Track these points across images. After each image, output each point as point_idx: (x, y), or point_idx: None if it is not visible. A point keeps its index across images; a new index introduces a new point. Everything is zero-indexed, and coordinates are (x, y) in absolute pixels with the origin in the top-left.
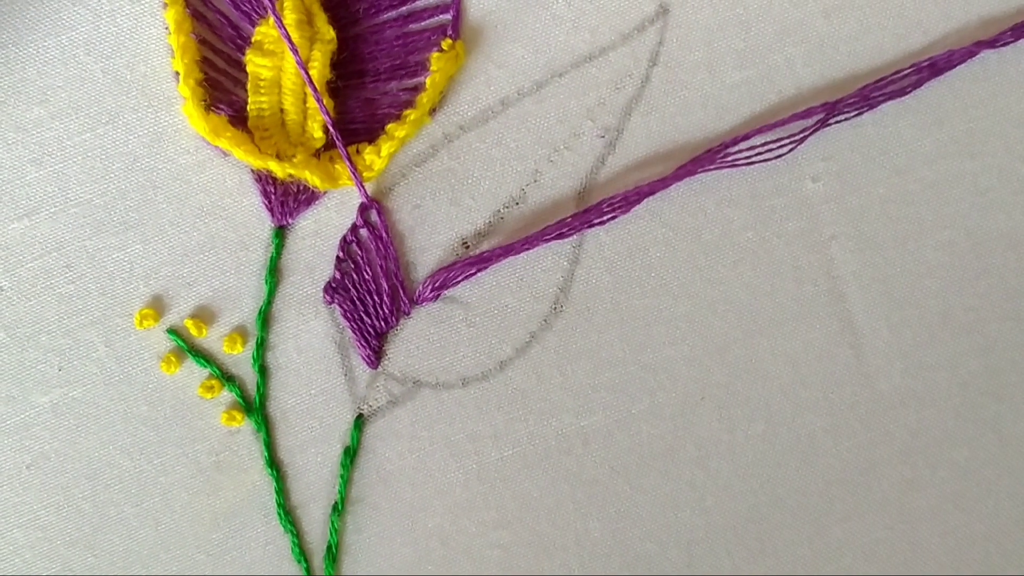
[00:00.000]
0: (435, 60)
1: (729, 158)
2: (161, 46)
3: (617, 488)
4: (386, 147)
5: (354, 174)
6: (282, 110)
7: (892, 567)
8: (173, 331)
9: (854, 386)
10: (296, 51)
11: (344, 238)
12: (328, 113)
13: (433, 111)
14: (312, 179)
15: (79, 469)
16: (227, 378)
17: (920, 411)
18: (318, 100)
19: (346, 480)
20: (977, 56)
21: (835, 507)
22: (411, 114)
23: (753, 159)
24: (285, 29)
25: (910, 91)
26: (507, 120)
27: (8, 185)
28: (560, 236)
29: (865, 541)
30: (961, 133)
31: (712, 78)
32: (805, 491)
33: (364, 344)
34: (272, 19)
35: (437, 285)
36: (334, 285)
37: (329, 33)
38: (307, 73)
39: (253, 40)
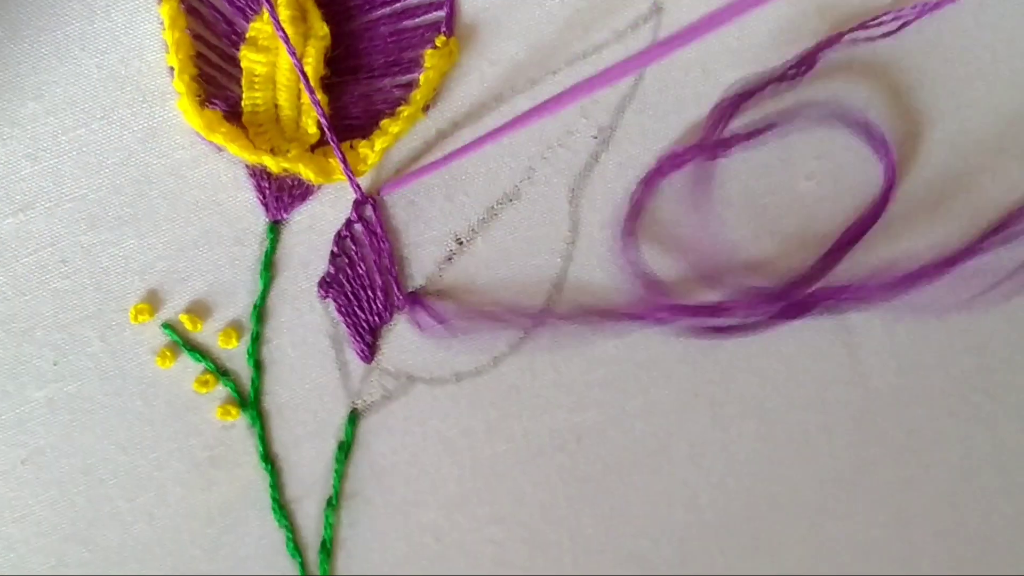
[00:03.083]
0: (429, 57)
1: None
2: (155, 42)
3: (610, 485)
4: (379, 142)
5: (346, 170)
6: (276, 106)
7: (886, 566)
8: (168, 326)
9: (848, 384)
10: (291, 47)
11: (338, 233)
12: (322, 109)
13: (427, 107)
14: (306, 173)
15: (74, 464)
16: (222, 373)
17: (914, 410)
18: (312, 96)
19: (340, 475)
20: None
21: (828, 506)
22: (405, 110)
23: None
24: (280, 25)
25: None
26: (501, 117)
27: (2, 180)
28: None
29: (859, 540)
30: (953, 133)
31: (706, 77)
32: (798, 489)
33: (358, 339)
34: (266, 15)
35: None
36: (328, 280)
37: (323, 29)
38: (302, 69)
39: (247, 36)
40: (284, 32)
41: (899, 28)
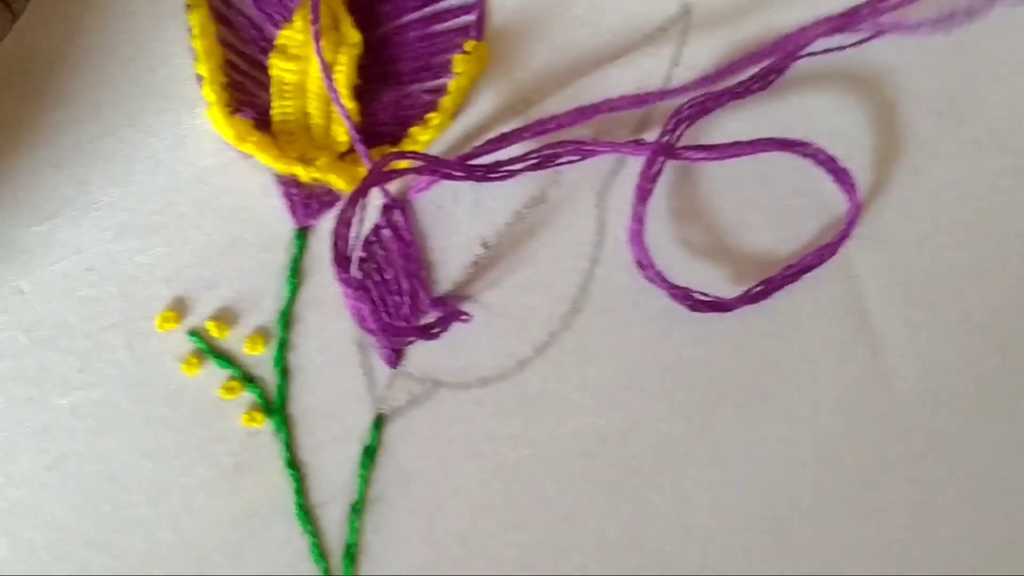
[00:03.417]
0: (459, 62)
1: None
2: (182, 48)
3: (635, 488)
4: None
5: None
6: (306, 114)
7: (910, 568)
8: (195, 333)
9: (872, 386)
10: (325, 62)
11: (366, 238)
12: (352, 121)
13: (456, 112)
14: (337, 183)
15: (99, 471)
16: (248, 379)
17: (938, 411)
18: (342, 111)
19: (365, 480)
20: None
21: (852, 507)
22: (435, 118)
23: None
24: (319, 36)
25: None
26: (528, 121)
27: (28, 189)
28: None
29: (882, 541)
30: (982, 133)
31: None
32: (822, 491)
33: (385, 344)
34: (297, 23)
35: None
36: (356, 285)
37: (355, 36)
38: (331, 81)
39: (277, 44)
40: (320, 42)
41: (867, 39)
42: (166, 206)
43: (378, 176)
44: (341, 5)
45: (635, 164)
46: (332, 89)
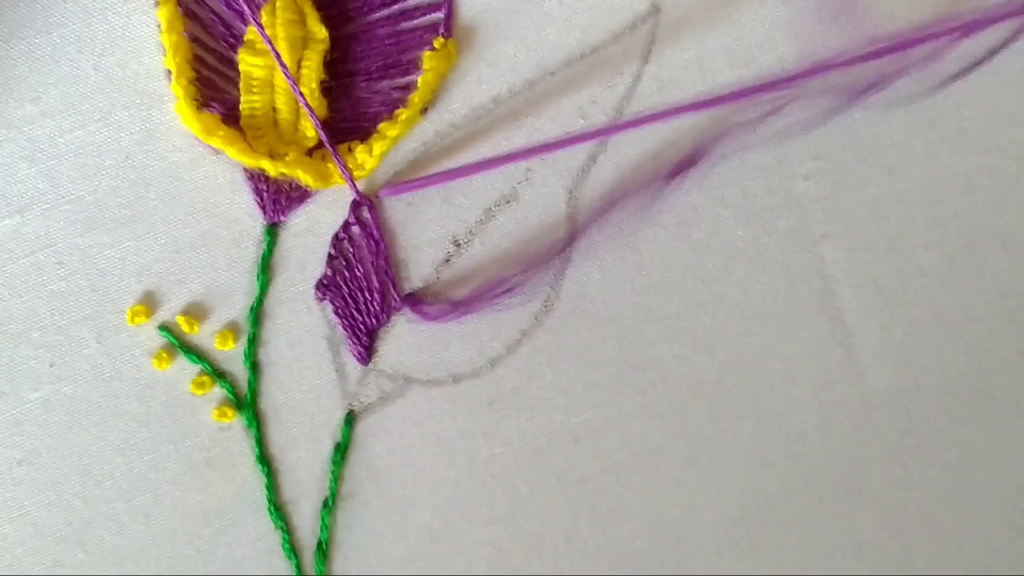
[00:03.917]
0: (427, 59)
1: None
2: (152, 43)
3: (607, 486)
4: (378, 146)
5: (345, 174)
6: (274, 109)
7: (882, 566)
8: (165, 327)
9: (845, 385)
10: (283, 63)
11: (336, 235)
12: (317, 119)
13: (425, 109)
14: (304, 178)
15: (70, 465)
16: (219, 374)
17: (911, 410)
18: (308, 109)
19: (337, 476)
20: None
21: (825, 506)
22: (403, 113)
23: None
24: (271, 42)
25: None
26: (499, 118)
27: None
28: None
29: (855, 540)
30: (953, 132)
31: (704, 77)
32: (795, 490)
33: (355, 341)
34: (265, 17)
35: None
36: (326, 282)
37: (322, 33)
38: (294, 81)
39: (245, 39)
40: (274, 45)
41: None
42: (136, 200)
43: None
44: (308, 1)
45: (606, 161)
46: (296, 88)
